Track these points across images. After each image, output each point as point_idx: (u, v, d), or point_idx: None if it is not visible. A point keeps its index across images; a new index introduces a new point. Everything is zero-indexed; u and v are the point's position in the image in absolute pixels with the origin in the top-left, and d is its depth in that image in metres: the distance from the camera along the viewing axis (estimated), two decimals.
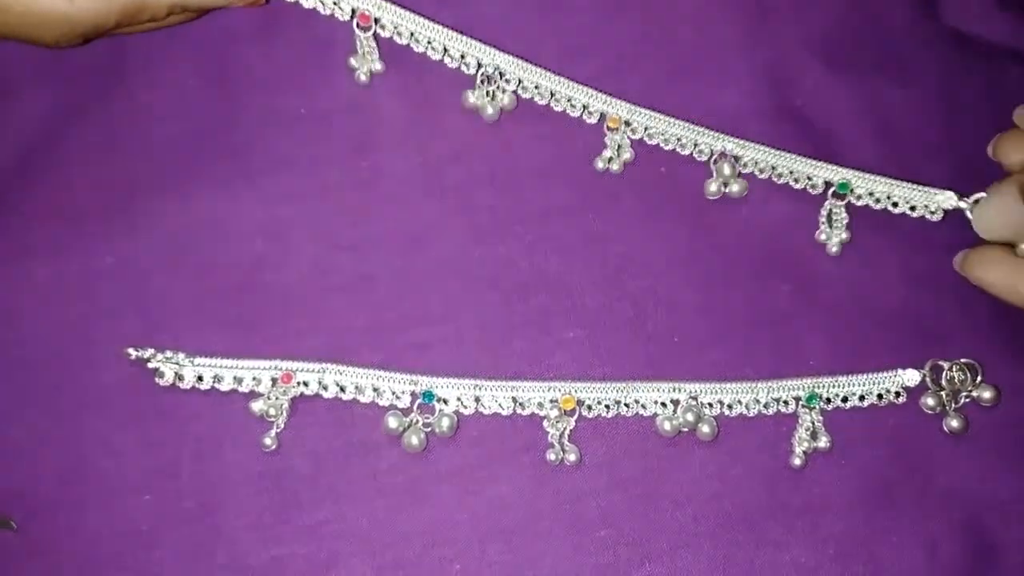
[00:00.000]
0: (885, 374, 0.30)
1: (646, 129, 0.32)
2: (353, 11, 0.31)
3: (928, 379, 0.30)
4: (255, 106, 0.32)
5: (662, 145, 0.32)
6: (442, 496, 0.29)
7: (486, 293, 0.31)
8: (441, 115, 0.32)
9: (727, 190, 0.32)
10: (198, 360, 0.29)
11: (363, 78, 0.31)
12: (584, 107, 0.31)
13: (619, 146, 0.32)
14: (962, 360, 0.31)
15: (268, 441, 0.29)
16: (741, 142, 0.31)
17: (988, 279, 0.30)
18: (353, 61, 0.31)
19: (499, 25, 0.33)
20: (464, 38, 0.31)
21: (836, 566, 0.29)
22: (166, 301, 0.30)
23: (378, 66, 0.31)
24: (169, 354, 0.29)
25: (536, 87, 0.31)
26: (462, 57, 0.31)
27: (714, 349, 0.31)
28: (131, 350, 0.29)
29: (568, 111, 0.31)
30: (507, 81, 0.31)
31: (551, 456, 0.29)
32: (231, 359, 0.29)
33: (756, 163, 0.31)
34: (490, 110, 0.31)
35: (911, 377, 0.30)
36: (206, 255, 0.30)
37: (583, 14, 0.33)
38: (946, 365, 0.31)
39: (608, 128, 0.31)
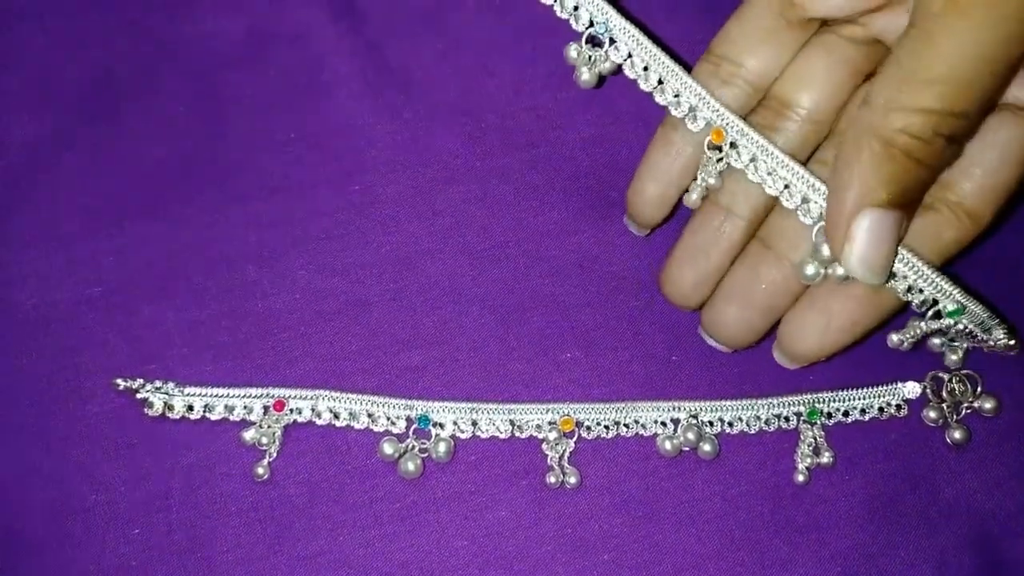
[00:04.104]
0: (885, 387, 0.30)
1: (752, 160, 0.26)
2: None
3: (929, 391, 0.30)
4: (246, 131, 0.32)
5: (766, 186, 0.26)
6: (440, 523, 0.28)
7: (481, 316, 0.30)
8: (433, 137, 0.32)
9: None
10: (188, 389, 0.28)
11: None
12: (691, 109, 0.27)
13: (709, 170, 0.27)
14: (962, 371, 0.30)
15: (260, 470, 0.28)
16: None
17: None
18: None
19: (485, 50, 0.32)
20: None
21: None
22: (156, 329, 0.29)
23: None
24: (158, 383, 0.28)
25: (645, 69, 0.27)
26: (575, 8, 0.27)
27: (713, 366, 0.30)
28: (119, 380, 0.28)
29: (671, 108, 0.27)
30: (616, 49, 0.27)
31: (551, 479, 0.29)
32: (222, 387, 0.29)
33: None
34: (586, 75, 0.27)
35: (912, 390, 0.30)
36: (196, 282, 0.30)
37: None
38: (946, 377, 0.30)
39: (708, 145, 0.27)
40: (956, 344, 0.29)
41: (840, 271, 0.26)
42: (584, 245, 0.31)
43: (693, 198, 0.28)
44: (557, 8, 0.27)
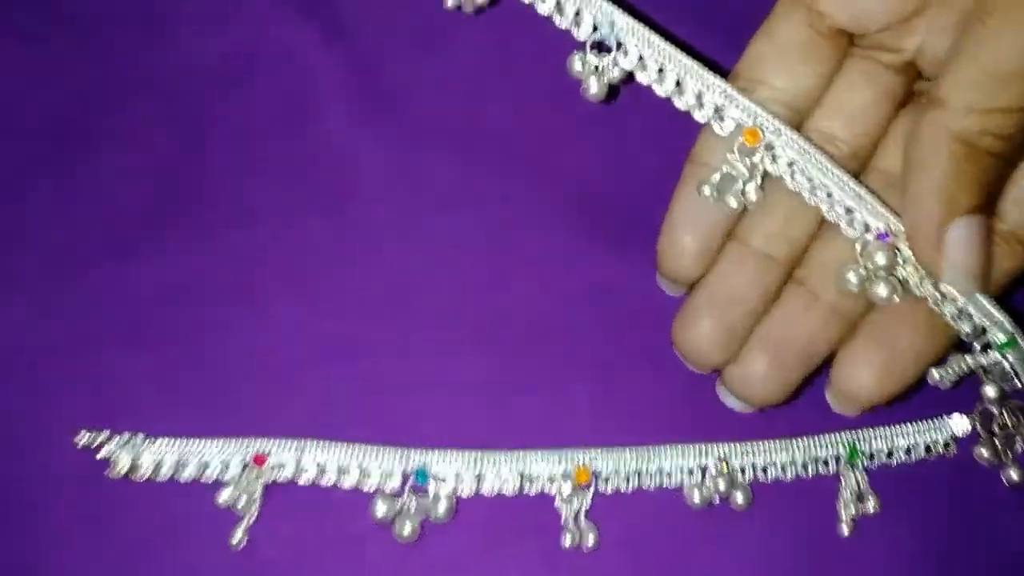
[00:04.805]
0: (931, 423, 0.28)
1: (790, 165, 0.24)
2: None
3: (978, 426, 0.27)
4: (226, 158, 0.30)
5: (806, 194, 0.24)
6: None
7: (483, 351, 0.28)
8: (429, 161, 0.30)
9: None
10: (157, 443, 0.26)
11: (468, 8, 0.26)
12: (717, 109, 0.25)
13: (747, 177, 0.24)
14: (1012, 402, 0.27)
15: (238, 536, 0.25)
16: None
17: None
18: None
19: (483, 68, 0.31)
20: None
21: None
22: (126, 375, 0.27)
23: None
24: (125, 436, 0.26)
25: (660, 71, 0.24)
26: (576, 14, 0.25)
27: None
28: (82, 434, 0.26)
29: (693, 112, 0.25)
30: (625, 54, 0.25)
31: (567, 541, 0.26)
32: (196, 440, 0.26)
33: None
34: (595, 87, 0.25)
35: (960, 425, 0.28)
36: (170, 321, 0.28)
37: None
38: (996, 409, 0.27)
39: (741, 147, 0.24)
40: (991, 378, 0.27)
41: (883, 291, 0.24)
42: (595, 273, 0.29)
43: (705, 190, 0.24)
44: (557, 17, 0.25)
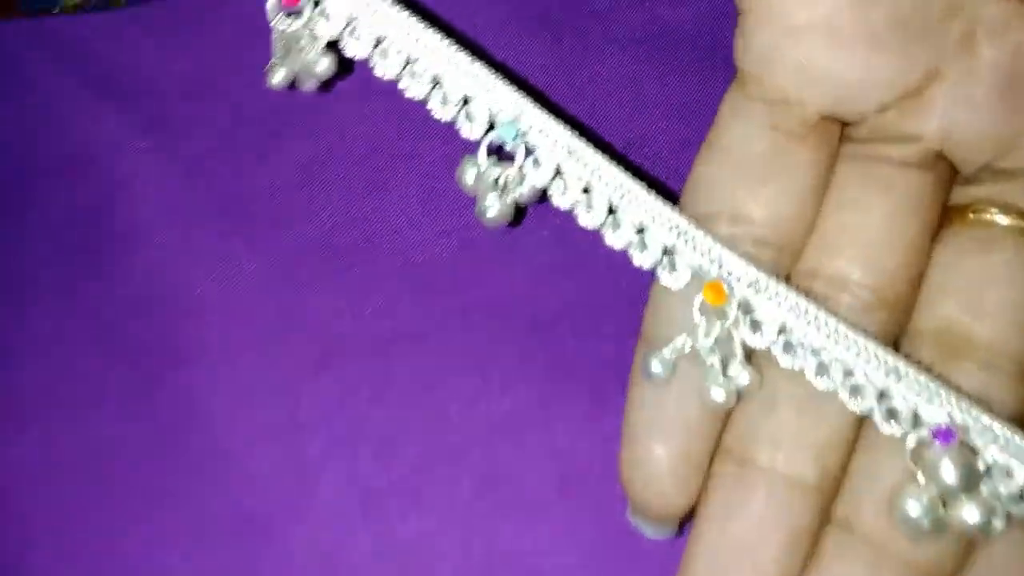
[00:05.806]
0: None
1: (781, 332, 0.18)
2: None
3: None
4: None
5: (811, 376, 0.18)
6: None
7: None
8: (298, 311, 0.23)
9: None
10: None
11: (307, 83, 0.19)
12: (666, 251, 0.18)
13: (726, 353, 0.18)
14: None
15: None
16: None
17: None
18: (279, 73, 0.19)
19: (372, 171, 0.24)
20: (483, 72, 0.19)
21: None
22: None
23: (325, 66, 0.19)
24: None
25: (586, 191, 0.19)
26: (464, 101, 0.19)
27: None
28: None
29: (632, 252, 0.19)
30: (536, 164, 0.19)
31: None
32: None
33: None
34: (495, 208, 0.19)
35: None
36: None
37: None
38: None
39: (702, 306, 0.18)
40: None
41: (971, 515, 0.17)
42: (558, 443, 0.21)
43: (654, 368, 0.17)
44: (436, 106, 0.19)
